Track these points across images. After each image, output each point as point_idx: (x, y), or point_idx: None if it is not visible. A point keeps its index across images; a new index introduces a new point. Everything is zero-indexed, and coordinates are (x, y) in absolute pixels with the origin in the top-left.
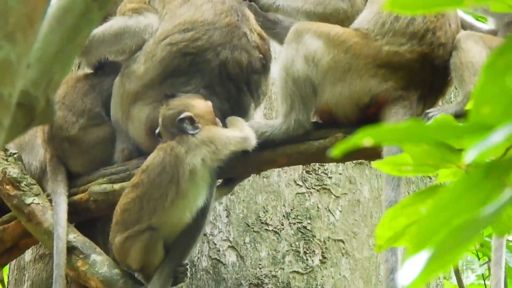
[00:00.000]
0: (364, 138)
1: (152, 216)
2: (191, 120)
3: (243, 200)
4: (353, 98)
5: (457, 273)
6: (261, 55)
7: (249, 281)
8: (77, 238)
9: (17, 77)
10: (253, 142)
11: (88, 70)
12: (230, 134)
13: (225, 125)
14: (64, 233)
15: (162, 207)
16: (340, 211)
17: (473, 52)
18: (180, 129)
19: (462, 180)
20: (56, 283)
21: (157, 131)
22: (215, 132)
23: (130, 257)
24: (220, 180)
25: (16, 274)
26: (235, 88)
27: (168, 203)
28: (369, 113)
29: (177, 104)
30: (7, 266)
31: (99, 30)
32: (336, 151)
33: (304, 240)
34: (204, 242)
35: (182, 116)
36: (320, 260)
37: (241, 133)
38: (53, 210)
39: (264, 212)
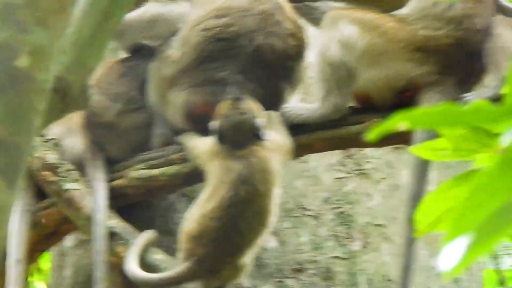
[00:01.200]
0: (399, 122)
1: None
2: (264, 126)
3: (282, 186)
4: (389, 82)
5: (495, 258)
6: (295, 43)
7: (290, 266)
8: (117, 223)
9: (51, 63)
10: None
11: (124, 55)
12: (287, 143)
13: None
14: (104, 218)
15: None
16: (380, 196)
17: (507, 37)
18: (256, 135)
19: (499, 164)
20: (98, 269)
21: (214, 127)
22: (277, 138)
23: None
24: None
25: (58, 260)
26: (270, 74)
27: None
28: (405, 98)
29: (248, 108)
30: (49, 252)
31: (132, 16)
32: (371, 135)
33: (344, 225)
34: None
35: (259, 122)
36: (360, 245)
37: (290, 144)
38: (93, 196)
39: (303, 197)
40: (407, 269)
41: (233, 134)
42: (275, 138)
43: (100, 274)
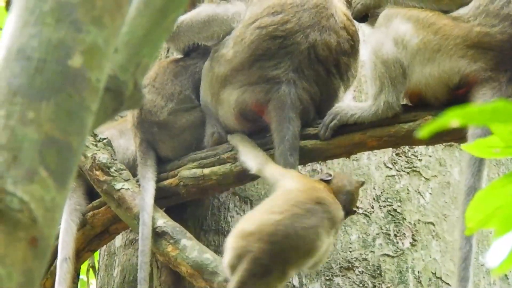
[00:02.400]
0: (451, 119)
1: None
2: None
3: None
4: (443, 78)
5: None
6: (349, 36)
7: (340, 264)
8: (167, 223)
9: (105, 62)
10: None
11: (176, 55)
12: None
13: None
14: (149, 219)
15: None
16: (430, 194)
17: None
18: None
19: None
20: (141, 269)
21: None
22: None
23: None
24: None
25: (107, 259)
26: (324, 70)
27: None
28: (459, 94)
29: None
30: (98, 252)
31: (187, 17)
32: (423, 132)
33: (394, 222)
34: None
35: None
36: (410, 243)
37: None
38: (141, 195)
39: None
40: (466, 263)
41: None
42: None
43: (144, 274)
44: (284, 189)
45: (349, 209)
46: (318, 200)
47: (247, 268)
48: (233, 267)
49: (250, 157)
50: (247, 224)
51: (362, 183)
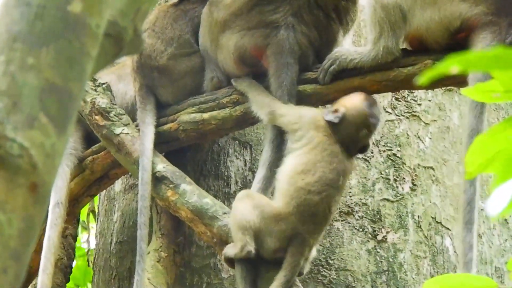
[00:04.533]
0: (452, 65)
1: None
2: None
3: None
4: (444, 22)
5: None
6: None
7: (340, 209)
8: (166, 168)
9: (105, 7)
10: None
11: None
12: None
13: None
14: (149, 163)
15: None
16: (430, 138)
17: None
18: (364, 148)
19: None
20: (141, 214)
21: (337, 113)
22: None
23: None
24: None
25: (106, 204)
26: (323, 15)
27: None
28: (459, 38)
29: (377, 117)
30: (98, 197)
31: None
32: (423, 78)
33: (394, 167)
34: None
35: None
36: (410, 187)
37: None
38: (140, 140)
39: None
40: (471, 206)
41: (350, 133)
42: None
43: (144, 219)
44: (300, 161)
45: (364, 144)
46: (342, 170)
47: (296, 249)
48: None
49: (261, 106)
50: (278, 202)
51: (374, 101)
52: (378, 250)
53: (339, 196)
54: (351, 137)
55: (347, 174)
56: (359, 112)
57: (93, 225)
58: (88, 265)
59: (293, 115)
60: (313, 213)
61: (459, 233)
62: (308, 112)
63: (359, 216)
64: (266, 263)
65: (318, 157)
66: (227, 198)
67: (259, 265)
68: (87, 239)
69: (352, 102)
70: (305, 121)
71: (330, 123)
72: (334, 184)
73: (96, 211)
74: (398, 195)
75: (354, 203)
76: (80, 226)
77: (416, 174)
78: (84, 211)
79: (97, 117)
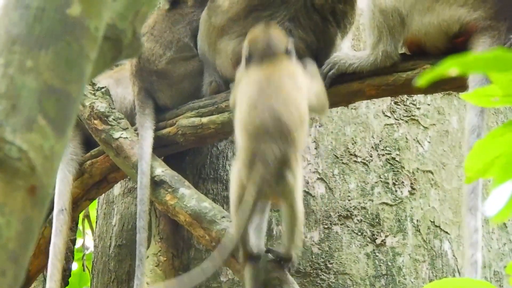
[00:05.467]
0: (450, 67)
1: None
2: (292, 47)
3: (332, 132)
4: (442, 27)
5: None
6: None
7: (338, 213)
8: (165, 172)
9: (104, 10)
10: (327, 113)
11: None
12: (321, 93)
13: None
14: (148, 167)
15: None
16: (429, 142)
17: None
18: (286, 52)
19: None
20: (140, 218)
21: (244, 50)
22: (315, 77)
23: None
24: None
25: (105, 208)
26: (321, 19)
27: None
28: (458, 43)
29: (278, 32)
30: (96, 201)
31: None
32: (422, 81)
33: (393, 171)
34: None
35: (290, 40)
36: (409, 191)
37: (325, 100)
38: (139, 144)
39: (352, 144)
40: (474, 193)
41: (261, 50)
42: (316, 79)
43: (143, 223)
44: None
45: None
46: (263, 79)
47: (260, 167)
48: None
49: None
50: (239, 139)
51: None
52: (377, 254)
53: (286, 97)
54: (262, 53)
55: (281, 75)
56: (252, 39)
57: (88, 231)
58: (84, 270)
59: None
60: (260, 125)
61: (463, 217)
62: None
63: (358, 220)
64: (274, 264)
65: (244, 90)
66: (226, 202)
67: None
68: (83, 243)
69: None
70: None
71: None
72: (260, 91)
73: (95, 214)
74: (397, 199)
75: (353, 207)
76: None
77: (415, 178)
78: (80, 216)
79: (96, 121)
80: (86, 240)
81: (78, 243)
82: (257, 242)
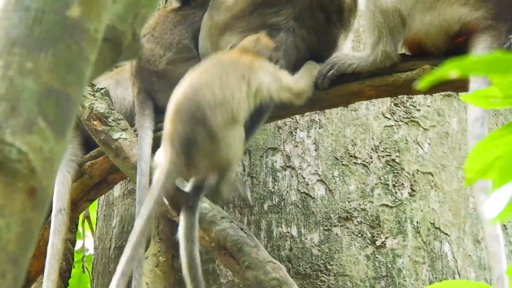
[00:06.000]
0: (451, 70)
1: None
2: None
3: (332, 134)
4: (443, 27)
5: None
6: None
7: (338, 214)
8: None
9: (104, 12)
10: (303, 98)
11: (176, 4)
12: (285, 80)
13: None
14: (147, 168)
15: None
16: (429, 144)
17: None
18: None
19: None
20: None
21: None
22: (278, 70)
23: None
24: None
25: (105, 210)
26: (325, 18)
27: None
28: (458, 43)
29: (265, 41)
30: (96, 202)
31: None
32: (422, 83)
33: (393, 173)
34: (293, 176)
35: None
36: (409, 193)
37: (295, 85)
38: (138, 145)
39: (352, 145)
40: None
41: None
42: (279, 71)
43: None
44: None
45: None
46: (213, 62)
47: (169, 148)
48: None
49: None
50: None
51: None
52: (377, 255)
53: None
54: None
55: (230, 61)
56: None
57: (87, 232)
58: (83, 272)
59: None
60: (175, 106)
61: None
62: None
63: (357, 222)
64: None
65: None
66: (225, 203)
67: None
68: (82, 245)
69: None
70: None
71: None
72: (199, 73)
73: (95, 216)
74: (397, 200)
75: (353, 209)
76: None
77: (415, 180)
78: (80, 217)
79: (95, 122)
80: (86, 242)
81: (78, 244)
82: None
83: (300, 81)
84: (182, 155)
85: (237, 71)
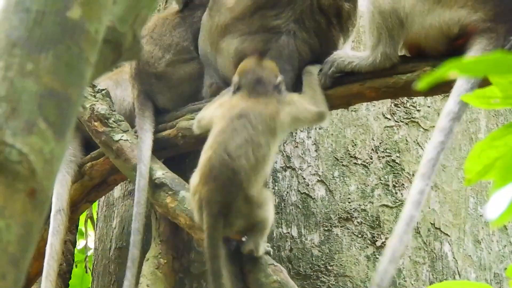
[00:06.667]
0: (450, 70)
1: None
2: (282, 84)
3: (332, 134)
4: (443, 28)
5: None
6: None
7: (338, 215)
8: (165, 174)
9: (104, 13)
10: (326, 118)
11: (176, 6)
12: (308, 107)
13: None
14: (146, 170)
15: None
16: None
17: None
18: (275, 90)
19: None
20: (136, 220)
21: (234, 81)
22: (297, 99)
23: None
24: None
25: (105, 210)
26: (325, 21)
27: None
28: (458, 45)
29: (270, 67)
30: (96, 203)
31: None
32: (422, 84)
33: (393, 173)
34: (293, 177)
35: (279, 79)
36: (409, 193)
37: (317, 108)
38: (138, 147)
39: (352, 146)
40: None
41: (251, 86)
42: (299, 100)
43: (138, 224)
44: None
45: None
46: (238, 115)
47: (206, 213)
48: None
49: None
50: (192, 180)
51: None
52: (377, 256)
53: (249, 142)
54: (251, 88)
55: (257, 115)
56: (243, 70)
57: (90, 232)
58: (86, 272)
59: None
60: (210, 170)
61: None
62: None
63: (358, 222)
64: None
65: (218, 125)
66: None
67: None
68: (85, 245)
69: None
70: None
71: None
72: (227, 128)
73: (95, 217)
74: (397, 201)
75: (353, 209)
76: (77, 232)
77: None
78: (82, 218)
79: (96, 123)
80: (89, 242)
81: (81, 244)
82: (230, 244)
83: (316, 104)
84: (220, 217)
85: (265, 125)
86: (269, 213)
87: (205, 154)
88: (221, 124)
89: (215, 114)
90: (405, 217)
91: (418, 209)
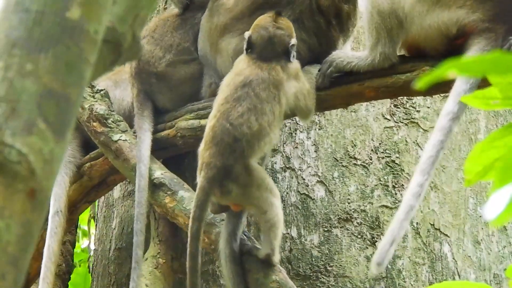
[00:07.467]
0: (449, 70)
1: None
2: (294, 49)
3: (331, 135)
4: (441, 29)
5: None
6: None
7: (338, 215)
8: (164, 174)
9: (103, 13)
10: (310, 118)
11: (176, 7)
12: (307, 96)
13: None
14: (146, 170)
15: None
16: None
17: None
18: (286, 53)
19: None
20: (138, 221)
21: (248, 35)
22: (303, 81)
23: None
24: None
25: (105, 211)
26: (324, 21)
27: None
28: (457, 45)
29: (286, 26)
30: (96, 203)
31: None
32: (421, 83)
33: (393, 174)
34: (292, 177)
35: (293, 42)
36: (408, 186)
37: (311, 106)
38: (137, 146)
39: (352, 147)
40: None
41: (262, 46)
42: (304, 83)
43: (140, 225)
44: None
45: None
46: (242, 84)
47: (202, 175)
48: None
49: None
50: (199, 147)
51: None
52: None
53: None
54: (262, 48)
55: (263, 82)
56: (257, 26)
57: (94, 231)
58: (89, 271)
59: None
60: (212, 137)
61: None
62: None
63: (357, 223)
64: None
65: (223, 92)
66: None
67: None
68: (88, 245)
69: (254, 23)
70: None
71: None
72: (231, 97)
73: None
74: (397, 201)
75: (353, 210)
76: (80, 232)
77: None
78: (85, 217)
79: (95, 124)
80: (92, 241)
81: (84, 244)
82: (234, 244)
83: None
84: (214, 182)
85: (268, 92)
86: (275, 207)
87: (209, 122)
88: (225, 92)
89: (224, 81)
90: (405, 206)
91: (418, 200)
